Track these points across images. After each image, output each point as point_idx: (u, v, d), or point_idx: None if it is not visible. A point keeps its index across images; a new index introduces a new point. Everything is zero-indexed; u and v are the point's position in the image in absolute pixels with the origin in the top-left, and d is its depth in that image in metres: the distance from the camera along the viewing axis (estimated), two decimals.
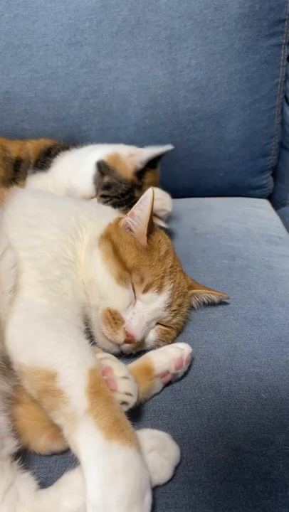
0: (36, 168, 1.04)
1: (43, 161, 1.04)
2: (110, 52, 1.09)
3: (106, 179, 0.96)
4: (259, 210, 1.25)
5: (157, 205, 0.96)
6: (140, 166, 0.98)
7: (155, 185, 1.02)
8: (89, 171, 0.98)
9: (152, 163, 0.99)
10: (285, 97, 1.23)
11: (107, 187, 0.97)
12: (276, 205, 1.35)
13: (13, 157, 1.05)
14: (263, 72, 1.15)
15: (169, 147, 0.97)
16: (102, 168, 0.97)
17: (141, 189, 0.99)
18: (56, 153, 1.05)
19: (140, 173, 0.99)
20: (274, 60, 1.16)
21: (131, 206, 0.91)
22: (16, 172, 1.05)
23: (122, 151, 1.00)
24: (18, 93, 1.10)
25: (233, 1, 1.07)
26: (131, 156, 0.99)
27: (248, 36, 1.11)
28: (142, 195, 0.95)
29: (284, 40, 1.15)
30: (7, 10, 1.05)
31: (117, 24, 1.07)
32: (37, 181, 1.02)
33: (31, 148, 1.08)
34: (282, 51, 1.16)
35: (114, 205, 0.96)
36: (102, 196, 0.97)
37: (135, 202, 0.90)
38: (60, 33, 1.06)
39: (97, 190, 0.97)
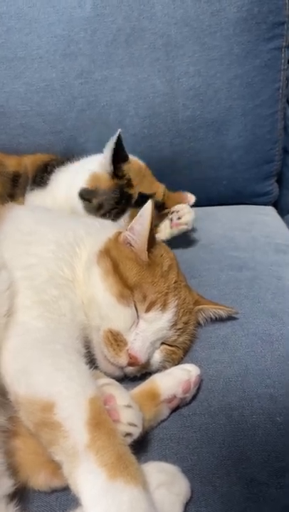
0: (34, 185, 1.01)
1: (41, 177, 1.01)
2: (106, 62, 1.06)
3: (94, 202, 0.91)
4: (265, 218, 1.21)
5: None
6: (111, 168, 0.91)
7: (143, 173, 0.98)
8: (76, 205, 0.93)
9: (121, 156, 0.92)
10: (288, 101, 1.20)
11: (100, 206, 0.91)
12: (282, 211, 1.31)
13: (11, 172, 1.02)
14: (264, 77, 1.12)
15: (118, 131, 0.89)
16: (86, 195, 0.92)
17: (131, 184, 0.94)
18: (52, 170, 1.01)
19: (118, 173, 0.93)
20: (274, 63, 1.12)
21: (136, 205, 0.91)
22: (15, 188, 1.01)
23: (96, 168, 0.94)
24: (13, 107, 1.07)
25: (231, 5, 1.04)
26: (103, 166, 0.93)
27: (246, 40, 1.08)
28: (136, 189, 0.94)
29: (284, 43, 1.11)
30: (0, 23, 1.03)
31: (112, 33, 1.04)
32: (35, 198, 0.99)
33: (28, 163, 1.05)
34: (283, 54, 1.12)
35: (118, 215, 0.91)
36: (103, 216, 0.91)
37: (135, 199, 0.93)
38: (54, 44, 1.04)
39: (94, 214, 0.92)
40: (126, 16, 1.04)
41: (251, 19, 1.06)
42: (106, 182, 0.92)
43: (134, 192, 0.94)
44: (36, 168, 1.03)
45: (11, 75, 1.05)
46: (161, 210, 1.01)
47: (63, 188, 0.98)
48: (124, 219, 0.92)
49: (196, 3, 1.04)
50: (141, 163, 1.01)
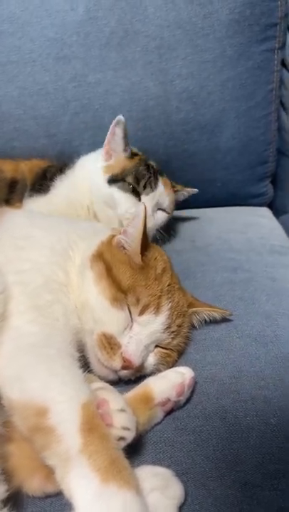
0: (34, 191, 1.01)
1: (40, 184, 1.01)
2: (99, 65, 1.06)
3: (130, 178, 0.94)
4: (260, 219, 1.21)
5: None
6: (129, 151, 0.97)
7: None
8: (110, 194, 0.95)
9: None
10: (281, 102, 1.20)
11: (138, 179, 0.95)
12: (277, 212, 1.31)
13: (8, 177, 1.03)
14: (257, 79, 1.12)
15: (122, 117, 0.95)
16: (118, 178, 0.95)
17: (145, 158, 1.01)
18: (52, 178, 1.01)
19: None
20: (267, 65, 1.13)
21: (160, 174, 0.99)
22: (11, 193, 1.01)
23: (103, 162, 0.98)
24: (6, 111, 1.07)
25: (223, 7, 1.05)
26: (111, 150, 0.97)
27: (239, 42, 1.08)
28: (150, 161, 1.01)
29: (277, 45, 1.12)
30: None
31: (105, 36, 1.04)
32: (34, 205, 0.99)
33: (26, 169, 1.05)
34: (276, 56, 1.13)
35: (156, 184, 0.97)
36: (144, 187, 0.95)
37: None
38: (47, 48, 1.04)
39: (138, 193, 0.94)
40: (119, 19, 1.04)
41: (244, 21, 1.06)
42: (128, 162, 0.97)
43: (151, 163, 1.01)
44: (34, 175, 1.04)
45: (4, 79, 1.05)
46: None
47: (63, 195, 0.99)
48: (161, 186, 0.98)
49: (189, 5, 1.05)
50: None
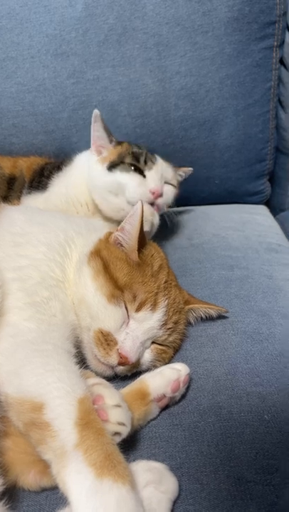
0: (32, 189, 1.00)
1: (38, 181, 1.01)
2: (98, 62, 1.06)
3: (128, 159, 0.94)
4: (257, 217, 1.22)
5: None
6: (115, 139, 0.98)
7: None
8: (113, 180, 0.93)
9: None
10: (279, 100, 1.20)
11: (136, 156, 0.94)
12: (274, 210, 1.32)
13: (7, 174, 1.02)
14: (255, 76, 1.13)
15: (98, 112, 0.95)
16: (116, 162, 0.94)
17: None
18: (50, 175, 1.01)
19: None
20: (266, 63, 1.13)
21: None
22: (10, 190, 1.01)
23: (99, 154, 0.98)
24: (5, 107, 1.07)
25: (222, 4, 1.05)
26: (99, 147, 0.97)
27: (238, 40, 1.08)
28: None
29: (275, 43, 1.12)
30: None
31: (104, 33, 1.05)
32: (33, 201, 0.99)
33: (24, 166, 1.05)
34: (274, 54, 1.13)
35: (154, 156, 0.97)
36: (145, 162, 0.94)
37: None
38: (45, 44, 1.04)
39: (141, 171, 0.93)
40: (117, 16, 1.04)
41: (242, 19, 1.07)
42: (119, 148, 0.96)
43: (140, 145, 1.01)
44: (33, 172, 1.04)
45: (2, 75, 1.06)
46: None
47: (61, 192, 0.98)
48: (159, 158, 0.98)
49: (188, 2, 1.05)
50: None
